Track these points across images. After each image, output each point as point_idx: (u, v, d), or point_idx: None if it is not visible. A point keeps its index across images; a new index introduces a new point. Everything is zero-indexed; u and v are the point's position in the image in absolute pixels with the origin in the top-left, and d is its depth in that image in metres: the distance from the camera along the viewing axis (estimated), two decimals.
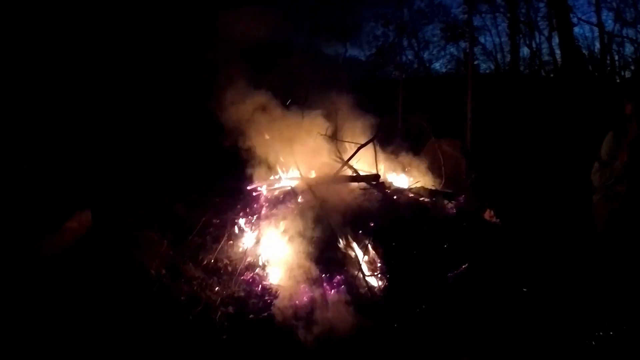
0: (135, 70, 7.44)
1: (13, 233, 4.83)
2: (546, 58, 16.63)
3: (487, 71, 18.02)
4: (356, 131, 5.93)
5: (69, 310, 4.02)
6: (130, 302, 4.20)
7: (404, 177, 6.03)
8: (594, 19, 15.00)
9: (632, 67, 15.33)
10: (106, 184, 6.26)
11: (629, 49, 15.34)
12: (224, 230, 5.20)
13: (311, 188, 5.04)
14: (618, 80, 15.54)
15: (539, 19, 16.37)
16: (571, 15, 13.53)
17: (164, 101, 7.88)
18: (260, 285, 4.56)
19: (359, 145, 5.27)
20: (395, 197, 5.19)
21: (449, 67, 18.16)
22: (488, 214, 5.85)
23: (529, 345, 3.60)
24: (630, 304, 3.83)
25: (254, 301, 4.37)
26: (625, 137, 4.06)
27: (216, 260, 4.92)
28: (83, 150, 6.59)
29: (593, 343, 3.60)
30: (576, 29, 14.71)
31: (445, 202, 5.64)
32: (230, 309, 4.23)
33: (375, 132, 5.42)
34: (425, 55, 17.67)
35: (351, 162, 5.34)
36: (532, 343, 3.62)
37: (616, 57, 15.67)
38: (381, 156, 5.54)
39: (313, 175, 5.48)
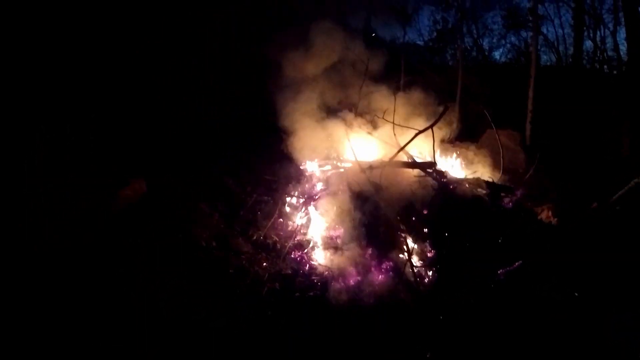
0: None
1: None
2: (610, 53, 15.69)
3: (548, 63, 17.17)
4: (414, 116, 5.79)
5: (120, 276, 4.16)
6: (181, 271, 4.29)
7: (461, 167, 5.84)
8: None
9: None
10: (160, 154, 6.39)
11: None
12: (275, 208, 5.21)
13: (364, 172, 4.95)
14: None
15: (604, 11, 15.42)
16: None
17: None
18: (307, 265, 4.57)
19: (416, 131, 5.13)
20: (450, 186, 5.03)
21: (508, 56, 17.44)
22: (545, 214, 5.59)
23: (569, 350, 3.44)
24: None
25: (300, 279, 4.38)
26: None
27: (265, 237, 4.96)
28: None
29: None
30: None
31: (502, 195, 5.44)
32: (277, 285, 4.26)
33: (436, 119, 5.23)
34: (485, 43, 17.05)
35: (407, 148, 5.20)
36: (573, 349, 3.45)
37: None
38: (438, 143, 5.36)
39: (368, 159, 5.39)
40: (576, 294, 4.16)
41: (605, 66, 16.05)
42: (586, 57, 16.28)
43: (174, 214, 5.28)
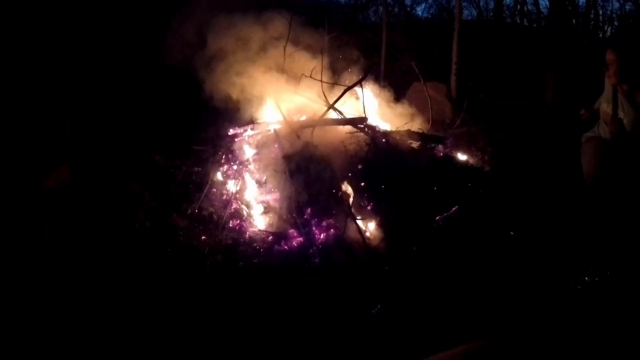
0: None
1: None
2: (530, 8, 16.33)
3: (469, 18, 17.64)
4: (341, 73, 5.73)
5: (53, 269, 3.87)
6: (115, 257, 4.05)
7: (390, 120, 5.87)
8: None
9: (616, 24, 15.14)
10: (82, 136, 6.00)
11: (613, 4, 15.11)
12: (207, 179, 5.03)
13: (295, 132, 4.86)
14: (600, 36, 15.38)
15: None
16: None
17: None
18: (247, 232, 4.46)
19: (345, 87, 5.07)
20: (383, 139, 5.05)
21: (430, 12, 17.72)
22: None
23: (515, 290, 3.59)
24: (615, 248, 3.83)
25: (242, 248, 4.28)
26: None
27: (200, 209, 4.78)
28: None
29: (578, 287, 3.61)
30: None
31: (433, 145, 5.55)
32: (219, 257, 4.13)
33: (363, 75, 5.20)
34: (406, 0, 17.19)
35: (336, 105, 5.14)
36: (518, 288, 3.61)
37: (600, 13, 15.43)
38: (367, 99, 5.33)
39: (297, 118, 5.29)
40: (512, 233, 4.34)
41: (525, 20, 16.67)
42: (507, 12, 16.85)
43: (103, 198, 4.97)
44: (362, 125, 5.00)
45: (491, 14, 17.00)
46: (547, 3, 14.26)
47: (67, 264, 3.93)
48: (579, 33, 14.04)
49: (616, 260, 3.67)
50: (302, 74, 5.13)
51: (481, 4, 17.46)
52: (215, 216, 4.70)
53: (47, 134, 5.80)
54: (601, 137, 3.96)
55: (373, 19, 14.30)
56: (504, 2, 16.34)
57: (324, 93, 5.12)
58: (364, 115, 5.07)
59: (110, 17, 7.36)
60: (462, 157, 5.85)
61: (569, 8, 13.86)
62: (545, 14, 15.23)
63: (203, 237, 4.45)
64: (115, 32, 7.26)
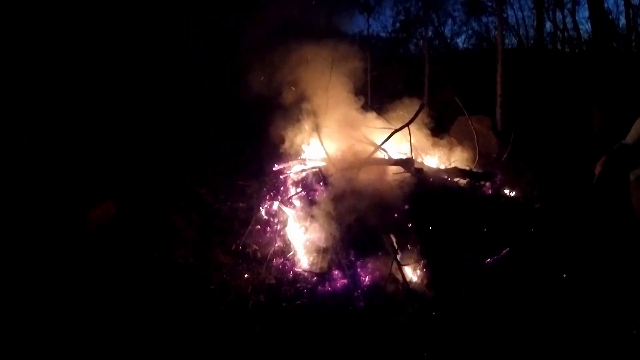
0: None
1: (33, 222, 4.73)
2: (570, 33, 16.01)
3: (509, 46, 17.42)
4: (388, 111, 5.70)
5: (93, 301, 3.89)
6: (159, 293, 4.06)
7: (436, 157, 5.76)
8: None
9: None
10: (127, 170, 6.14)
11: None
12: (251, 215, 5.02)
13: (341, 171, 4.81)
14: None
15: None
16: None
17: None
18: (291, 272, 4.40)
19: (392, 130, 5.00)
20: (430, 179, 4.94)
21: (470, 42, 17.62)
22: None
23: (565, 333, 3.38)
24: None
25: (285, 288, 4.21)
26: None
27: (244, 246, 4.77)
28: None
29: (634, 332, 3.37)
30: None
31: (482, 183, 5.38)
32: (262, 297, 4.07)
33: (412, 117, 5.10)
34: (447, 31, 17.19)
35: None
36: (569, 331, 3.40)
37: None
38: (413, 137, 5.24)
39: (342, 157, 5.24)
40: (564, 275, 4.12)
41: (567, 46, 16.32)
42: (547, 38, 16.57)
43: (147, 232, 5.04)
44: (409, 166, 4.89)
45: (532, 41, 16.76)
46: (587, 27, 13.94)
47: (109, 297, 3.95)
48: (621, 56, 13.60)
49: None
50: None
51: (521, 32, 17.25)
52: (259, 254, 4.67)
53: (94, 166, 5.95)
54: None
55: (413, 52, 14.31)
56: (544, 28, 16.10)
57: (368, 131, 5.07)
58: (410, 156, 4.97)
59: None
60: (510, 193, 5.65)
61: (611, 31, 13.49)
62: (586, 38, 14.88)
63: (246, 275, 4.42)
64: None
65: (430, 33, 14.56)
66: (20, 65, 5.87)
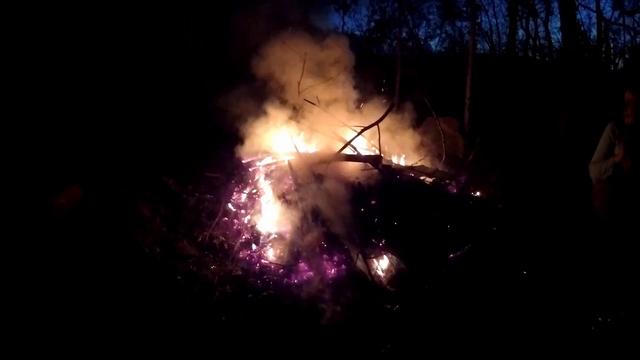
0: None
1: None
2: (542, 42, 16.52)
3: (482, 52, 17.84)
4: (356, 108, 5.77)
5: (58, 291, 3.82)
6: (124, 282, 4.02)
7: (404, 155, 5.88)
8: (592, 5, 14.92)
9: (627, 56, 15.25)
10: (96, 154, 6.04)
11: (625, 37, 15.26)
12: (219, 207, 5.02)
13: (309, 165, 4.86)
14: (612, 69, 15.49)
15: (536, 1, 16.17)
16: None
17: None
18: (258, 264, 4.43)
19: (361, 128, 5.08)
20: (397, 176, 5.04)
21: (444, 45, 17.97)
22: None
23: (527, 328, 3.52)
24: (629, 289, 3.78)
25: (252, 280, 4.23)
26: (623, 126, 3.91)
27: (212, 237, 4.76)
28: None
29: (592, 328, 3.53)
30: None
31: (447, 182, 5.52)
32: (229, 288, 4.08)
33: (381, 116, 5.17)
34: (421, 33, 17.44)
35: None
36: (531, 326, 3.54)
37: (612, 45, 15.57)
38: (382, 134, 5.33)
39: (311, 152, 5.30)
40: (524, 272, 4.28)
41: (537, 54, 16.82)
42: (519, 46, 17.04)
43: (114, 220, 4.96)
44: (377, 163, 4.98)
45: (504, 47, 17.20)
46: (559, 37, 14.43)
47: (73, 285, 3.87)
48: (590, 66, 14.12)
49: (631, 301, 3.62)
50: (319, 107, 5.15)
51: (494, 38, 17.69)
52: (226, 245, 4.68)
53: (62, 151, 5.84)
54: (612, 177, 3.91)
55: (387, 52, 14.50)
56: (517, 36, 16.56)
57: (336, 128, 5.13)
58: (379, 154, 5.06)
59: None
60: (475, 193, 5.82)
61: (582, 42, 13.98)
62: (557, 47, 15.40)
63: (213, 267, 4.42)
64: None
65: (404, 34, 14.78)
66: (20, 65, 5.77)
